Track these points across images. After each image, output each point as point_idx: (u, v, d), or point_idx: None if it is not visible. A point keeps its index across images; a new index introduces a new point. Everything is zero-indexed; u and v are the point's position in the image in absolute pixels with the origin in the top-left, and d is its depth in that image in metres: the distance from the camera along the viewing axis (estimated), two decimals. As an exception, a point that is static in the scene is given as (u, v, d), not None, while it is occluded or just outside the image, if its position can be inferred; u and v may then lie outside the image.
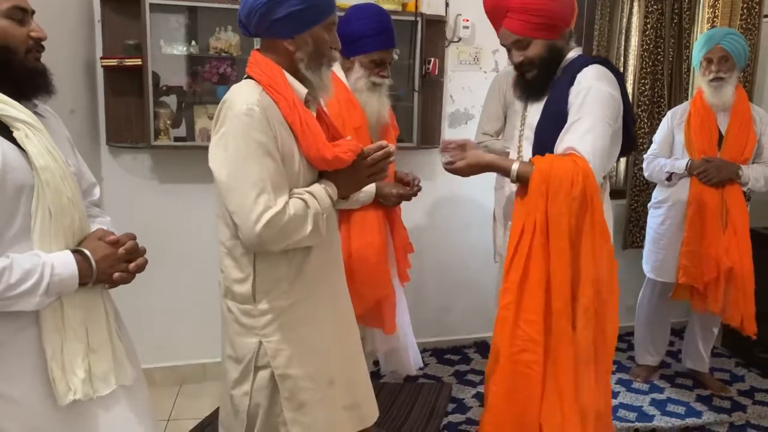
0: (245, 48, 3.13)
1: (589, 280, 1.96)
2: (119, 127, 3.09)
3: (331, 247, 1.92)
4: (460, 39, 3.58)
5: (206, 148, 3.26)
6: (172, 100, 3.14)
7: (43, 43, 1.56)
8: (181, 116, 3.16)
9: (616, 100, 2.05)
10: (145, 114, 2.99)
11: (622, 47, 4.02)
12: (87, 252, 1.53)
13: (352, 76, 2.58)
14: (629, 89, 3.88)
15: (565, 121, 2.03)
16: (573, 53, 2.19)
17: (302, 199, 1.69)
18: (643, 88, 3.91)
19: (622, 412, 3.20)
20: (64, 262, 1.48)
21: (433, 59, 3.44)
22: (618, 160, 2.48)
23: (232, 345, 1.84)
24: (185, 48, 3.09)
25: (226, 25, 3.11)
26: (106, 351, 1.58)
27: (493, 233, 3.25)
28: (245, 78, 1.76)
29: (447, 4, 3.53)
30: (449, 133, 3.67)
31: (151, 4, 2.91)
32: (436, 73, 3.47)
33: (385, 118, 2.64)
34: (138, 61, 2.93)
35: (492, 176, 2.84)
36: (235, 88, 1.72)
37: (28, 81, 1.52)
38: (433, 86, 3.55)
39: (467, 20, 3.54)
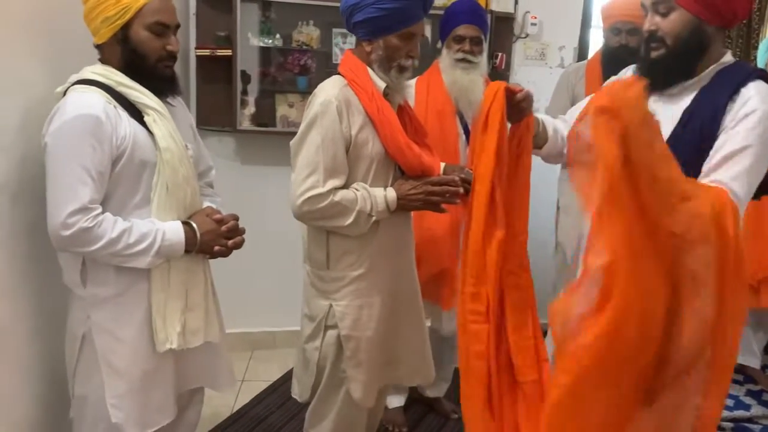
0: (324, 41, 3.36)
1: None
2: (208, 112, 3.35)
3: (401, 232, 2.10)
4: (527, 35, 3.70)
5: (285, 133, 3.52)
6: (256, 88, 3.39)
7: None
8: (264, 103, 3.40)
9: None
10: (232, 100, 3.26)
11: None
12: (194, 225, 1.79)
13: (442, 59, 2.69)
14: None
15: (709, 140, 1.62)
16: (728, 57, 1.73)
17: (355, 194, 1.89)
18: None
19: (669, 401, 3.28)
20: (175, 231, 1.74)
21: (500, 54, 3.58)
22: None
23: (308, 305, 2.08)
24: (270, 40, 3.33)
25: (308, 19, 3.33)
26: (199, 311, 1.84)
27: (556, 224, 3.33)
28: (336, 74, 1.98)
29: (516, 2, 3.64)
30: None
31: (241, 0, 3.16)
32: (503, 67, 3.61)
33: (478, 99, 2.58)
34: (228, 52, 3.20)
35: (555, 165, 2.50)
36: (323, 83, 1.95)
37: (155, 83, 1.77)
38: (500, 80, 3.66)
39: (535, 17, 3.65)
